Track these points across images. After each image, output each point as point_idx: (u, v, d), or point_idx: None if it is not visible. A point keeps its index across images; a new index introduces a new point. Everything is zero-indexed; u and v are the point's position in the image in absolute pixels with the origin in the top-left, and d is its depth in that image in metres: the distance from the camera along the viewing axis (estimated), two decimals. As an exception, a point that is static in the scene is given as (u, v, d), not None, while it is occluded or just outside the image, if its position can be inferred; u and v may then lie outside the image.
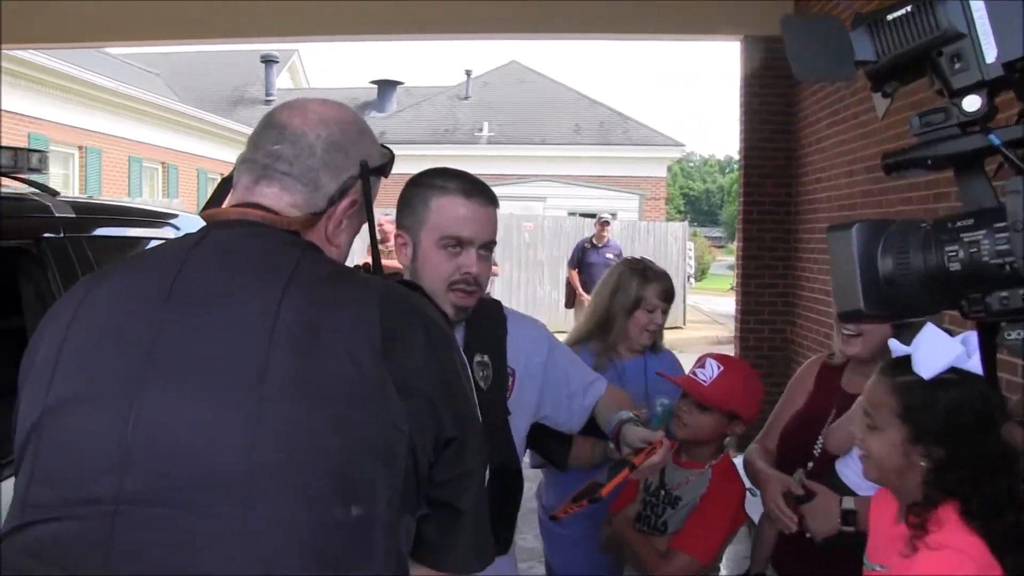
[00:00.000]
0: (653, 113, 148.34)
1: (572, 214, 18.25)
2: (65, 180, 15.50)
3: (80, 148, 15.77)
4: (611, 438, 2.12)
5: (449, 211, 1.97)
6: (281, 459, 1.07)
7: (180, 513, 1.05)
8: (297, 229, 1.27)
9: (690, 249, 22.18)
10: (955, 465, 1.70)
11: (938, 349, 1.71)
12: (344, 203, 1.32)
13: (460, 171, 2.06)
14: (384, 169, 1.42)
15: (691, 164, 77.53)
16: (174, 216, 3.70)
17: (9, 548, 1.09)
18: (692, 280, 22.50)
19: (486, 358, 2.09)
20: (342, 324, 1.14)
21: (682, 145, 24.54)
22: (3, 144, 2.81)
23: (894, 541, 1.78)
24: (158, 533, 1.04)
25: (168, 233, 3.39)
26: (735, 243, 7.43)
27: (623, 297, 2.93)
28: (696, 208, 70.51)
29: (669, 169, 28.37)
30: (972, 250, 0.86)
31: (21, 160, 2.70)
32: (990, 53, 0.86)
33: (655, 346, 3.01)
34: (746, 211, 7.14)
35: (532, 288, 16.22)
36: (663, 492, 2.49)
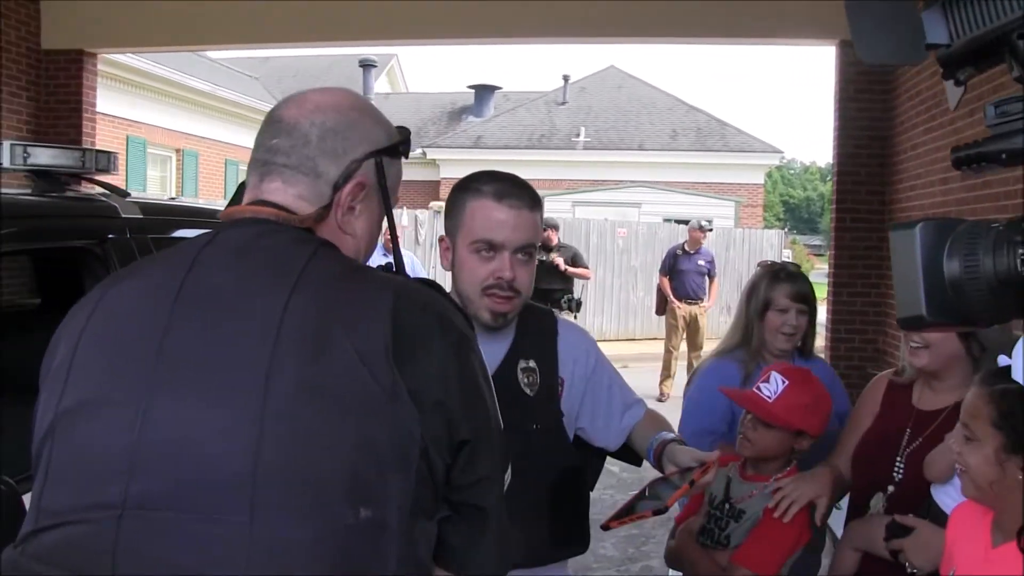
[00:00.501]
0: (752, 119, 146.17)
1: (667, 220, 18.03)
2: (162, 182, 16.00)
3: (177, 151, 16.24)
4: (651, 458, 2.06)
5: (481, 215, 1.96)
6: (287, 461, 1.04)
7: (186, 517, 1.03)
8: (309, 225, 1.24)
9: (787, 257, 21.72)
10: None
11: None
12: (348, 187, 1.28)
13: (503, 174, 2.03)
14: (395, 149, 1.38)
15: (792, 171, 76.04)
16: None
17: (21, 555, 1.09)
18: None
19: (532, 363, 2.07)
20: (352, 324, 1.11)
21: (780, 152, 24.05)
22: (84, 146, 2.88)
23: (991, 565, 1.69)
24: (164, 536, 1.03)
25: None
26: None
27: (755, 300, 2.88)
28: (796, 216, 69.11)
29: (769, 176, 27.85)
30: None
31: (89, 161, 2.75)
32: None
33: (805, 351, 2.90)
34: (839, 219, 6.95)
35: (625, 294, 16.10)
36: (727, 505, 2.43)
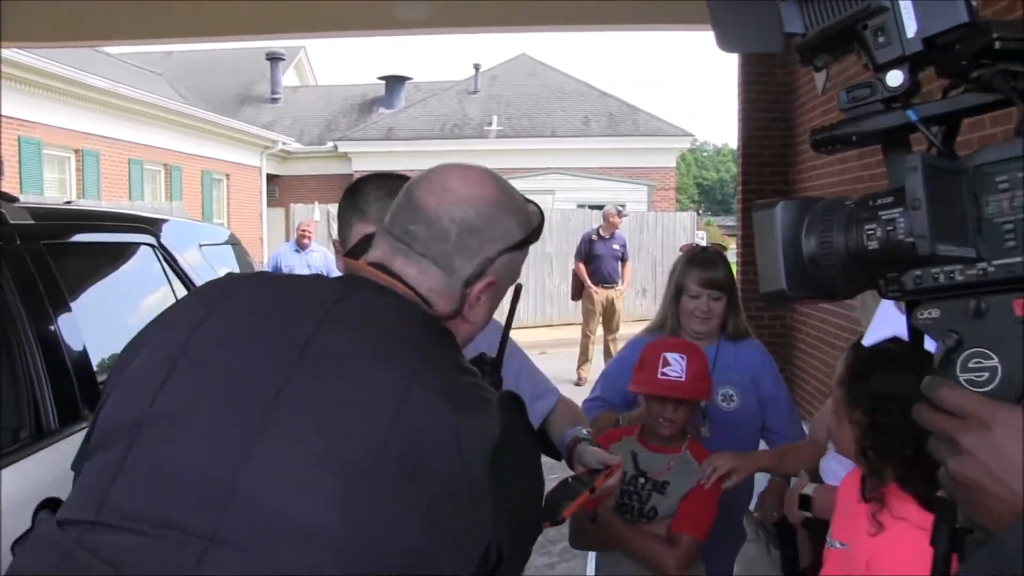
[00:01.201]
0: (664, 104, 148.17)
1: (581, 206, 18.19)
2: (61, 184, 15.38)
3: (76, 151, 15.59)
4: (563, 453, 2.09)
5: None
6: (379, 536, 1.06)
7: (265, 564, 1.02)
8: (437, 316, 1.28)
9: (701, 238, 22.10)
10: (881, 432, 1.74)
11: (882, 321, 1.84)
12: (479, 286, 1.31)
13: (392, 189, 1.82)
14: (528, 241, 1.38)
15: (704, 153, 77.37)
16: (159, 222, 3.64)
17: (78, 544, 1.06)
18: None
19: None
20: (464, 431, 1.12)
21: (692, 135, 24.44)
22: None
23: (856, 518, 1.81)
24: None
25: (144, 240, 3.35)
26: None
27: (671, 284, 2.99)
28: (710, 197, 70.34)
29: (682, 159, 28.29)
30: (889, 228, 0.82)
31: None
32: (911, 27, 0.82)
33: (732, 333, 2.96)
34: (745, 199, 7.12)
35: (541, 281, 16.20)
36: (643, 480, 2.51)
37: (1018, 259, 0.78)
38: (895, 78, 0.84)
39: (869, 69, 0.86)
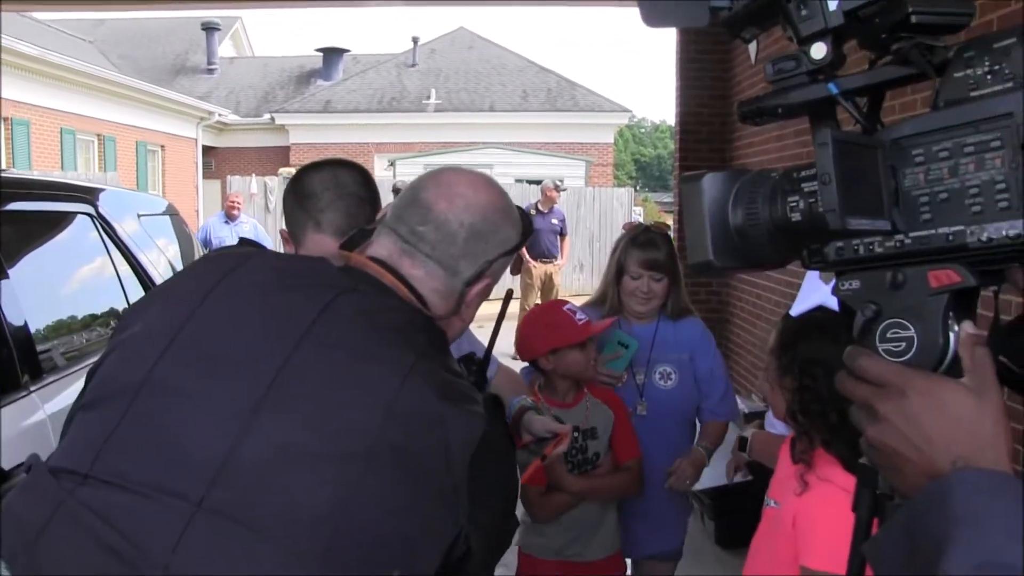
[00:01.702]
0: (602, 80, 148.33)
1: (519, 181, 18.19)
2: (-10, 155, 14.98)
3: (5, 120, 15.11)
4: (509, 424, 2.11)
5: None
6: (367, 518, 1.10)
7: (252, 535, 1.06)
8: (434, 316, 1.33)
9: (638, 214, 22.25)
10: (808, 397, 1.82)
11: (809, 290, 1.84)
12: (478, 287, 1.38)
13: (342, 188, 1.93)
14: (521, 245, 1.46)
15: (643, 130, 77.54)
16: (96, 191, 3.59)
17: (72, 496, 1.09)
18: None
19: None
20: (453, 425, 1.16)
21: (629, 111, 24.58)
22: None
23: (788, 479, 1.88)
24: (224, 546, 1.06)
25: (82, 209, 3.30)
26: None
27: (612, 263, 3.00)
28: (648, 174, 70.57)
29: (620, 135, 28.38)
30: (811, 200, 0.83)
31: None
32: (832, 0, 0.84)
33: (672, 312, 2.98)
34: (682, 176, 7.17)
35: (480, 256, 16.18)
36: (576, 434, 2.65)
37: (932, 231, 0.80)
38: (819, 51, 0.86)
39: (793, 42, 0.88)
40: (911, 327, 0.83)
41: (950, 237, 0.80)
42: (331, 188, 1.90)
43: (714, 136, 7.05)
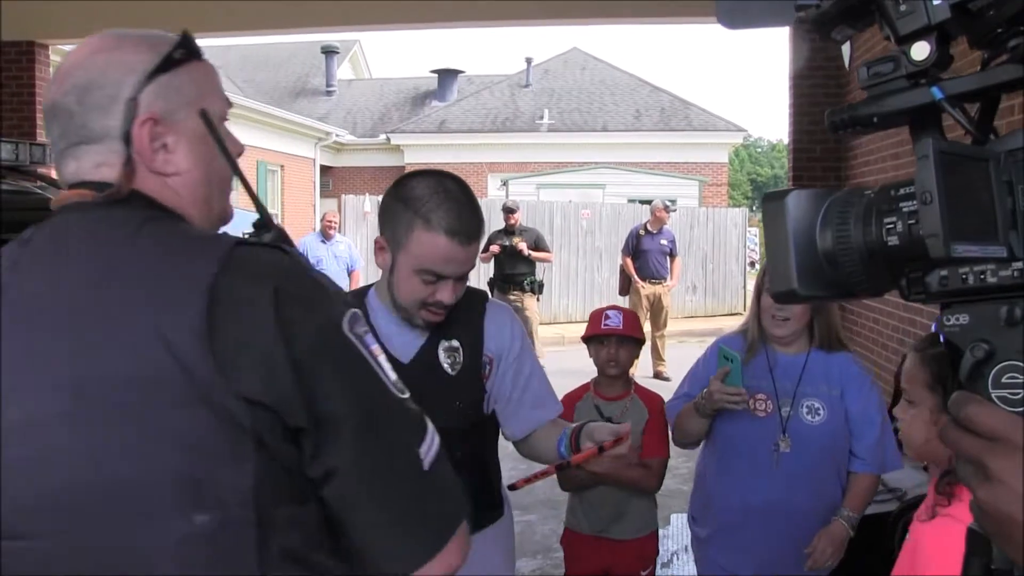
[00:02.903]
0: (718, 99, 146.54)
1: (632, 201, 18.04)
2: (126, 173, 15.70)
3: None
4: (561, 448, 2.04)
5: (430, 248, 1.95)
6: (105, 475, 0.98)
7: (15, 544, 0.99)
8: (126, 192, 1.12)
9: (754, 235, 21.81)
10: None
11: None
12: (135, 128, 1.12)
13: (451, 192, 1.98)
14: (170, 61, 1.18)
15: (759, 149, 76.34)
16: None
17: None
18: (756, 266, 22.15)
19: (456, 343, 2.09)
20: (166, 307, 1.00)
21: (744, 131, 24.11)
22: (16, 139, 2.81)
23: (926, 506, 1.82)
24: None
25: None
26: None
27: (755, 288, 2.91)
28: (763, 194, 69.37)
29: (736, 155, 27.92)
30: (911, 222, 0.72)
31: (23, 153, 2.70)
32: None
33: (824, 342, 2.78)
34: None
35: (590, 275, 16.09)
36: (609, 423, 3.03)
37: None
38: (920, 50, 0.75)
39: (892, 42, 0.77)
40: None
41: None
42: (439, 192, 1.96)
43: (828, 154, 6.81)
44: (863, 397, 2.77)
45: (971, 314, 0.75)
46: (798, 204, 0.81)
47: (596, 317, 3.29)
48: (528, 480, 1.92)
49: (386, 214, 2.01)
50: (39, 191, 2.71)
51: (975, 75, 0.76)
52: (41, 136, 8.27)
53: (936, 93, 0.75)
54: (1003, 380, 0.72)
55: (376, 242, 2.05)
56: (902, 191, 0.74)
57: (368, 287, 2.22)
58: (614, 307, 3.36)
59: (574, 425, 2.06)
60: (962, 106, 0.78)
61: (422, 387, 2.00)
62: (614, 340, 3.19)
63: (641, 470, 3.06)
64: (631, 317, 3.31)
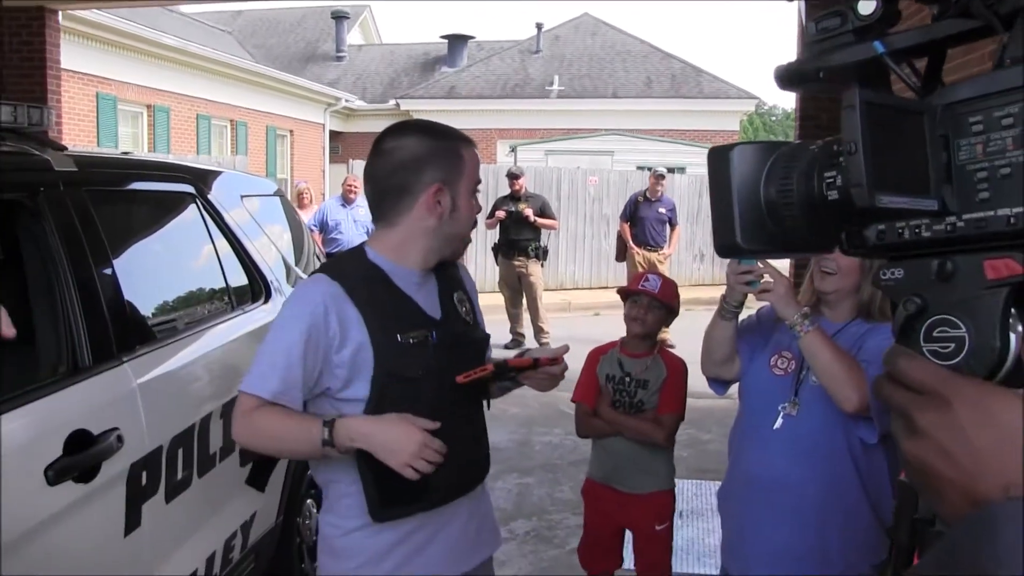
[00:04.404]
0: (732, 66, 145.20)
1: (641, 168, 17.96)
2: (135, 139, 15.77)
3: (148, 107, 15.96)
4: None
5: (476, 160, 2.13)
6: None
7: None
8: None
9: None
10: None
11: None
12: None
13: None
14: None
15: (773, 118, 75.76)
16: (202, 172, 3.66)
17: None
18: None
19: (460, 294, 2.20)
20: None
21: (756, 98, 23.93)
22: (14, 102, 2.83)
23: None
24: None
25: (186, 189, 3.38)
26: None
27: None
28: (709, 149, 68.81)
29: (750, 123, 27.70)
30: None
31: (21, 116, 2.72)
32: None
33: (867, 311, 2.52)
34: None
35: (597, 242, 16.07)
36: (628, 379, 3.36)
37: (991, 212, 0.69)
38: (867, 6, 0.75)
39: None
40: (962, 325, 0.71)
41: (1012, 220, 0.69)
42: (433, 122, 2.23)
43: (835, 123, 6.58)
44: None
45: (905, 269, 0.75)
46: (743, 158, 0.82)
47: (637, 277, 3.44)
48: (468, 376, 2.03)
49: (430, 159, 2.04)
50: (38, 152, 2.73)
51: (919, 29, 0.77)
52: (51, 100, 8.29)
53: (878, 47, 0.75)
54: (934, 334, 0.73)
55: (429, 196, 2.04)
56: (843, 146, 0.73)
57: (354, 252, 2.17)
58: (656, 273, 3.49)
59: (520, 350, 2.22)
60: (910, 62, 0.79)
61: (461, 338, 2.13)
62: (645, 301, 3.32)
63: (649, 422, 3.27)
64: (670, 286, 3.38)
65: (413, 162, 2.03)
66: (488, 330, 2.29)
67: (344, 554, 2.06)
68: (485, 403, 2.25)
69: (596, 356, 3.50)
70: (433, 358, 2.02)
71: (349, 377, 1.97)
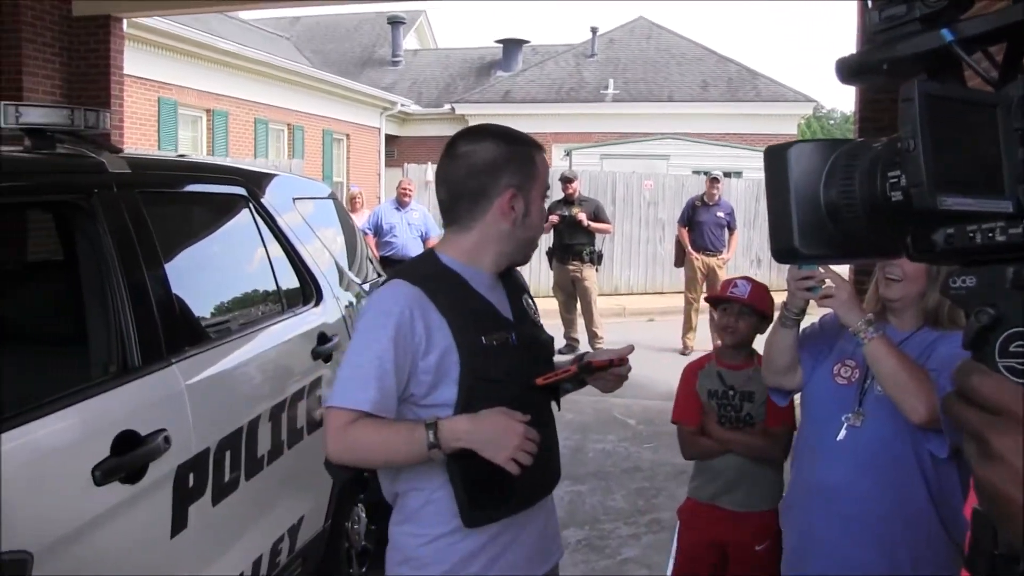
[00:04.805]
0: (790, 69, 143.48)
1: (696, 172, 17.79)
2: (194, 142, 16.06)
3: (207, 111, 16.25)
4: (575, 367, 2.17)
5: (546, 164, 2.15)
6: None
7: None
8: None
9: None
10: None
11: None
12: None
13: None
14: None
15: (832, 121, 74.75)
16: (255, 175, 3.67)
17: None
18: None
19: (528, 297, 2.22)
20: None
21: (814, 101, 23.59)
22: (73, 106, 2.87)
23: None
24: None
25: (237, 191, 3.39)
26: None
27: None
28: (766, 147, 67.93)
29: (808, 126, 27.34)
30: None
31: (78, 119, 2.75)
32: None
33: (933, 318, 2.42)
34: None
35: (652, 246, 15.94)
36: (732, 392, 3.13)
37: None
38: None
39: None
40: None
41: None
42: (505, 127, 2.19)
43: (896, 124, 6.57)
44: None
45: (978, 276, 0.69)
46: (802, 157, 0.77)
47: (725, 284, 3.24)
48: (548, 378, 2.05)
49: (507, 164, 2.03)
50: (93, 155, 2.76)
51: (992, 14, 0.70)
52: (114, 104, 8.48)
53: (946, 35, 0.69)
54: (1010, 348, 0.67)
55: (504, 201, 2.03)
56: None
57: (425, 257, 2.17)
58: (746, 277, 3.23)
59: (576, 354, 2.23)
60: (986, 51, 0.73)
61: (535, 340, 2.15)
62: (735, 308, 3.12)
63: (762, 437, 3.07)
64: (760, 289, 3.14)
65: (489, 166, 2.03)
66: None
67: (427, 561, 2.03)
68: (555, 405, 2.23)
69: (693, 371, 3.26)
70: (515, 359, 2.03)
71: (434, 382, 1.95)
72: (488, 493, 1.99)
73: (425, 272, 2.05)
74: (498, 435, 1.88)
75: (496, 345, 2.00)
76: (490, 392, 1.96)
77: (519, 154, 2.06)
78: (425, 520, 2.03)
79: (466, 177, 2.04)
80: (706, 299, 3.35)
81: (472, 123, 24.01)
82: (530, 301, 2.22)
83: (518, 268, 2.31)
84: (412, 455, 1.92)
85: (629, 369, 2.15)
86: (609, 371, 2.11)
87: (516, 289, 2.18)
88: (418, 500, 2.04)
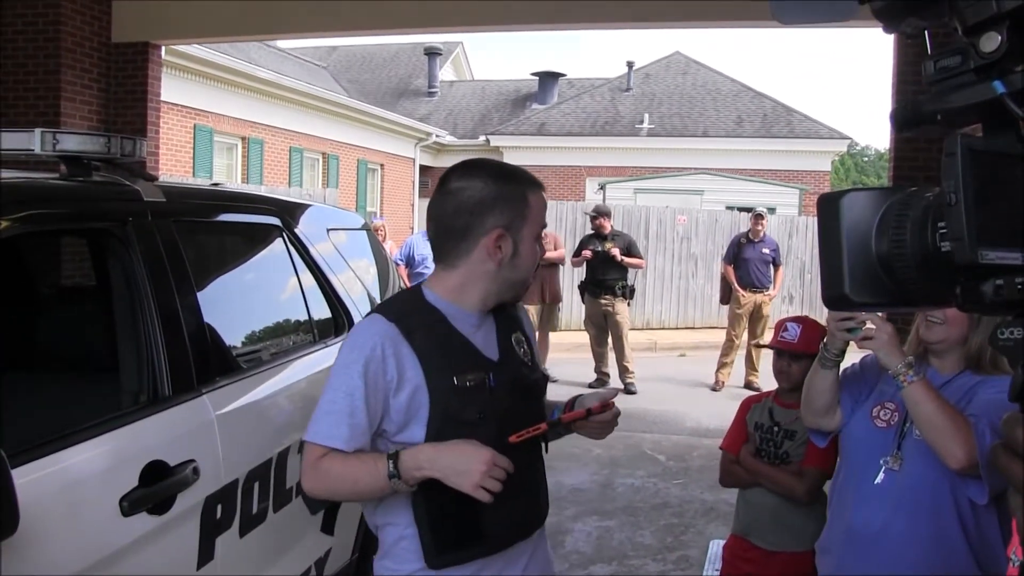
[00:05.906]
0: (824, 106, 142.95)
1: (730, 208, 17.73)
2: (229, 170, 16.21)
3: (243, 139, 16.41)
4: (555, 416, 2.13)
5: (542, 204, 2.08)
6: None
7: None
8: None
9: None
10: None
11: None
12: None
13: (502, 162, 2.16)
14: None
15: (866, 159, 74.35)
16: (289, 205, 3.69)
17: None
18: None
19: (519, 335, 2.14)
20: None
21: (848, 138, 23.49)
22: (110, 133, 2.89)
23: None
24: None
25: (271, 221, 3.40)
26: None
27: None
28: (819, 195, 67.51)
29: (842, 163, 27.19)
30: None
31: (115, 146, 2.77)
32: None
33: (976, 363, 2.38)
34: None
35: (685, 282, 15.87)
36: (776, 428, 3.20)
37: None
38: (990, 41, 0.68)
39: (960, 33, 0.71)
40: None
41: None
42: (502, 164, 2.14)
43: (932, 163, 6.53)
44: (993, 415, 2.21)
45: None
46: (854, 206, 0.76)
47: (777, 327, 3.24)
48: (520, 436, 1.97)
49: (495, 204, 1.98)
50: (128, 183, 2.77)
51: None
52: (151, 131, 8.60)
53: (998, 87, 0.68)
54: None
55: (490, 241, 1.99)
56: None
57: (411, 293, 2.15)
58: (797, 318, 3.24)
59: (570, 398, 2.16)
60: None
61: (520, 381, 2.08)
62: (787, 354, 3.15)
63: (791, 475, 3.09)
64: (810, 330, 3.12)
65: (477, 206, 1.98)
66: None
67: None
68: (543, 446, 2.19)
69: (749, 404, 3.37)
70: (491, 401, 1.97)
71: (405, 421, 1.93)
72: (456, 532, 1.95)
73: (405, 308, 2.03)
74: (463, 461, 1.84)
75: (470, 386, 1.95)
76: (461, 434, 1.91)
77: (510, 193, 2.01)
78: (400, 556, 2.00)
79: (453, 215, 2.00)
80: (755, 345, 3.33)
81: (507, 155, 24.11)
82: (524, 338, 2.16)
83: (521, 304, 2.28)
84: (374, 487, 1.90)
85: (617, 413, 2.10)
86: (591, 419, 2.05)
87: (508, 326, 2.13)
88: (393, 535, 2.01)
